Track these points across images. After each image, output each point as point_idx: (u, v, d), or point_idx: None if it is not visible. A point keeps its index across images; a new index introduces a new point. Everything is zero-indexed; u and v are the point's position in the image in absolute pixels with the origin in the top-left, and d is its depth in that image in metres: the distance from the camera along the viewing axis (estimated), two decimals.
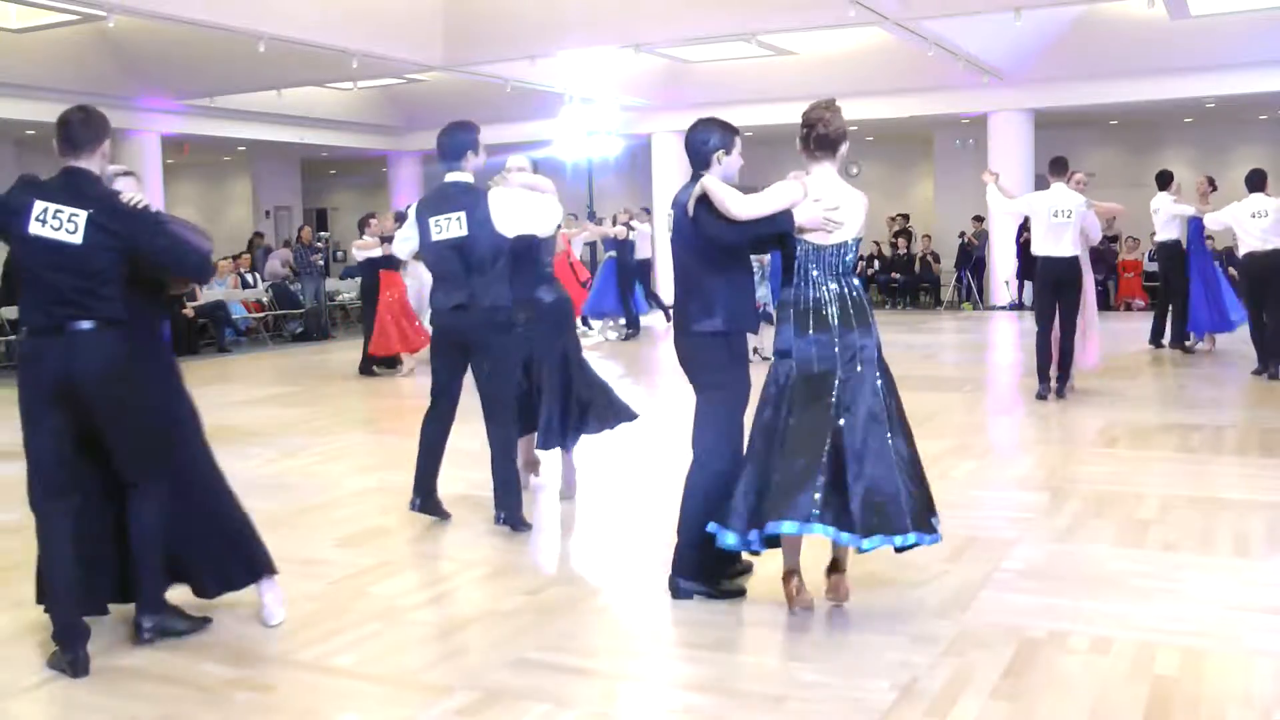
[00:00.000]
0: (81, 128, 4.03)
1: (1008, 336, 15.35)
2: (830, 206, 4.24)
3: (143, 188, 4.38)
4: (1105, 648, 3.95)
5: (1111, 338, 13.76)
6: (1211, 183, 12.39)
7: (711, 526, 4.28)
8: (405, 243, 5.89)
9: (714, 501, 4.35)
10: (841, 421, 4.17)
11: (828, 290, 4.29)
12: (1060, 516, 5.72)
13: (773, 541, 4.25)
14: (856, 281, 4.38)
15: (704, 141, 4.43)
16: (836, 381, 4.20)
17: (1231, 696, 3.57)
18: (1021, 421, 8.82)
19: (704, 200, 4.31)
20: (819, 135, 4.32)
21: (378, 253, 12.35)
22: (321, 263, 18.01)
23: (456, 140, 5.56)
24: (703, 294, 4.45)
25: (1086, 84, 17.41)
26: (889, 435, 4.19)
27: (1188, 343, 12.25)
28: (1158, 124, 20.56)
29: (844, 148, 4.37)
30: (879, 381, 4.25)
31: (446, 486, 5.96)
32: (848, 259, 4.34)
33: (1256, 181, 10.75)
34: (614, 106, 19.75)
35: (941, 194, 22.50)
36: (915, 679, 3.73)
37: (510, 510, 5.70)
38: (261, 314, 17.35)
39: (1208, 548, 5.16)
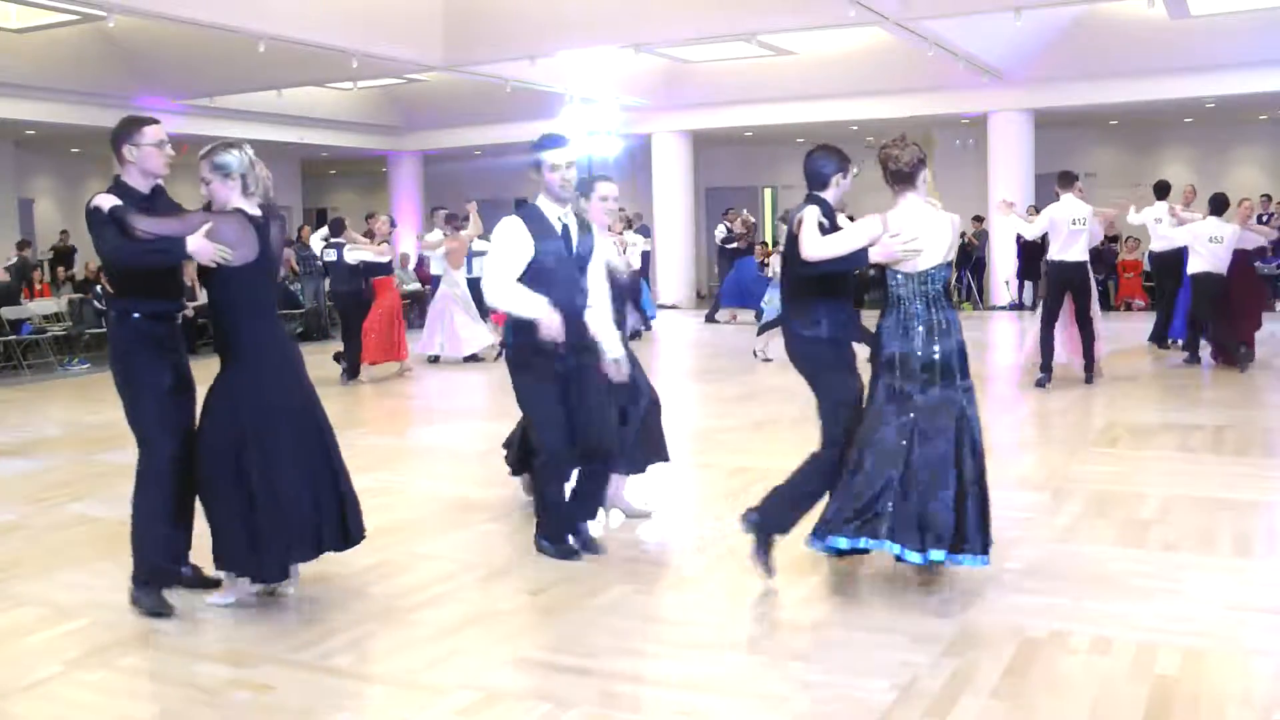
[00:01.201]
0: (110, 141, 4.56)
1: (1008, 336, 15.35)
2: (908, 239, 4.46)
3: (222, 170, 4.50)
4: (1105, 648, 3.95)
5: (1111, 338, 13.73)
6: (1194, 191, 12.91)
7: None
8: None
9: (815, 483, 4.75)
10: (915, 436, 4.48)
11: (916, 312, 4.55)
12: (1061, 516, 5.71)
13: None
14: (945, 303, 4.62)
15: (823, 166, 4.80)
16: (916, 398, 4.50)
17: (1231, 696, 3.57)
18: (1022, 421, 8.82)
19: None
20: (893, 171, 4.64)
21: (386, 259, 12.12)
22: (321, 263, 17.96)
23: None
24: (808, 304, 4.75)
25: (1086, 84, 17.41)
26: (954, 452, 4.47)
27: (1169, 344, 12.42)
28: (1158, 124, 20.56)
29: (922, 175, 4.63)
30: (959, 404, 4.53)
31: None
32: (933, 285, 4.57)
33: (1219, 206, 11.32)
34: (614, 106, 19.75)
35: (941, 194, 22.44)
36: (915, 679, 3.73)
37: (540, 530, 5.30)
38: None
39: (1208, 548, 5.16)
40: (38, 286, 16.75)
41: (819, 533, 4.54)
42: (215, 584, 4.68)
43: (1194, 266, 11.26)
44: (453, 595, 4.79)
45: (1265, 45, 15.51)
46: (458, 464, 7.15)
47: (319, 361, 14.56)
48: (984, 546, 4.44)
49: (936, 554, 4.38)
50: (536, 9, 14.16)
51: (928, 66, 15.93)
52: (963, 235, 20.47)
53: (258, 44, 12.83)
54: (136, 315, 4.52)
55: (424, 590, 4.85)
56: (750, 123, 20.37)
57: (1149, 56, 16.31)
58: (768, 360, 12.00)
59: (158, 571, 4.57)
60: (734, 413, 9.42)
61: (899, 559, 4.46)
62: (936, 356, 4.51)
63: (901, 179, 4.63)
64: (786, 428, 8.57)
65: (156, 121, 4.58)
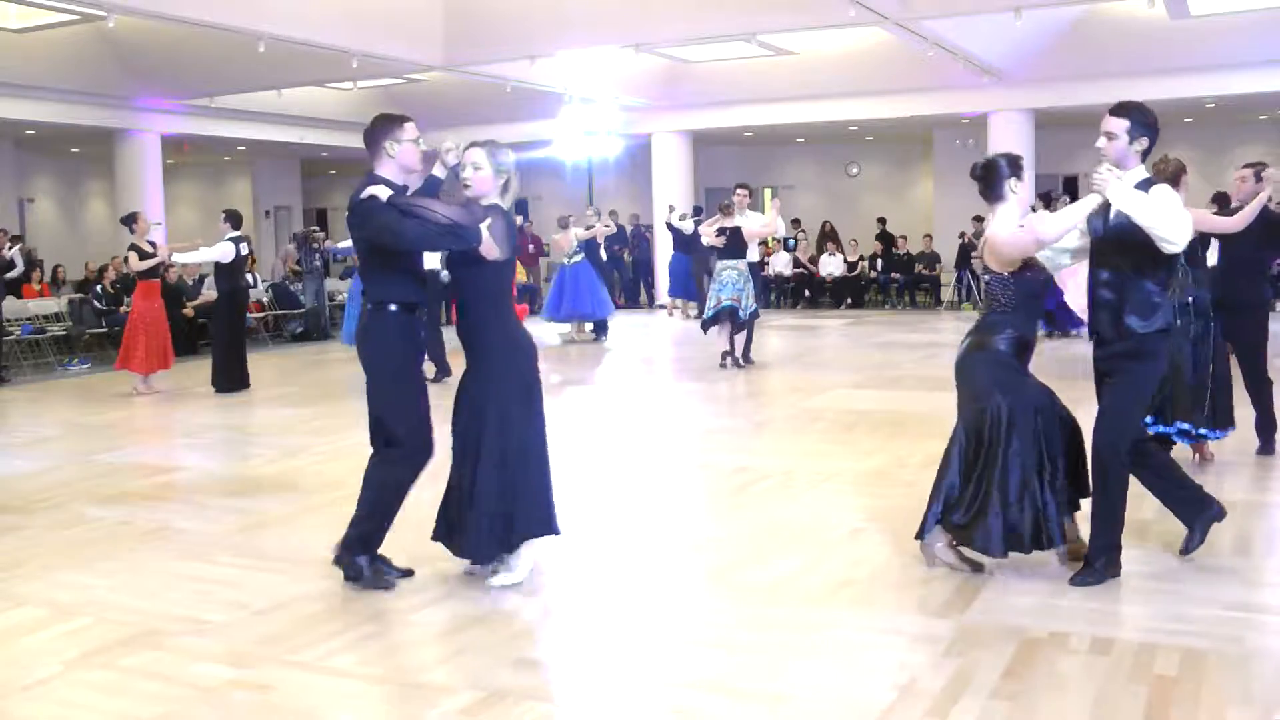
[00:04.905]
0: (365, 137, 4.76)
1: None
2: None
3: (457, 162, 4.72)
4: (1105, 648, 3.95)
5: None
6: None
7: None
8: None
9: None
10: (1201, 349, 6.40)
11: (1183, 274, 6.21)
12: None
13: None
14: (1189, 269, 6.32)
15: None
16: (1191, 328, 6.33)
17: (1231, 696, 3.57)
18: None
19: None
20: (1168, 175, 6.17)
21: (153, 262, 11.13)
22: (320, 263, 17.98)
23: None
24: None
25: (1086, 84, 17.39)
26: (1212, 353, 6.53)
27: None
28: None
29: (1184, 179, 6.42)
30: (1213, 326, 6.52)
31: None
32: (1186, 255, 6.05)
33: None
34: (614, 106, 19.75)
35: (941, 194, 22.50)
36: (915, 679, 3.73)
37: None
38: (262, 314, 17.32)
39: (1208, 548, 5.14)
40: (37, 287, 16.73)
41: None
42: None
43: None
44: (453, 595, 4.79)
45: (1265, 45, 15.51)
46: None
47: (320, 361, 14.58)
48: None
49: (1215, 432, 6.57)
50: (536, 9, 14.16)
51: (928, 66, 15.93)
52: (961, 235, 20.47)
53: (258, 44, 12.82)
54: (393, 307, 4.73)
55: (424, 590, 4.85)
56: (750, 123, 20.37)
57: (1149, 56, 16.31)
58: (746, 365, 11.81)
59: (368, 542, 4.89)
60: (733, 412, 9.42)
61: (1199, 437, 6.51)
62: (1193, 299, 6.32)
63: (1169, 180, 6.06)
64: (786, 427, 8.57)
65: (411, 119, 4.80)
